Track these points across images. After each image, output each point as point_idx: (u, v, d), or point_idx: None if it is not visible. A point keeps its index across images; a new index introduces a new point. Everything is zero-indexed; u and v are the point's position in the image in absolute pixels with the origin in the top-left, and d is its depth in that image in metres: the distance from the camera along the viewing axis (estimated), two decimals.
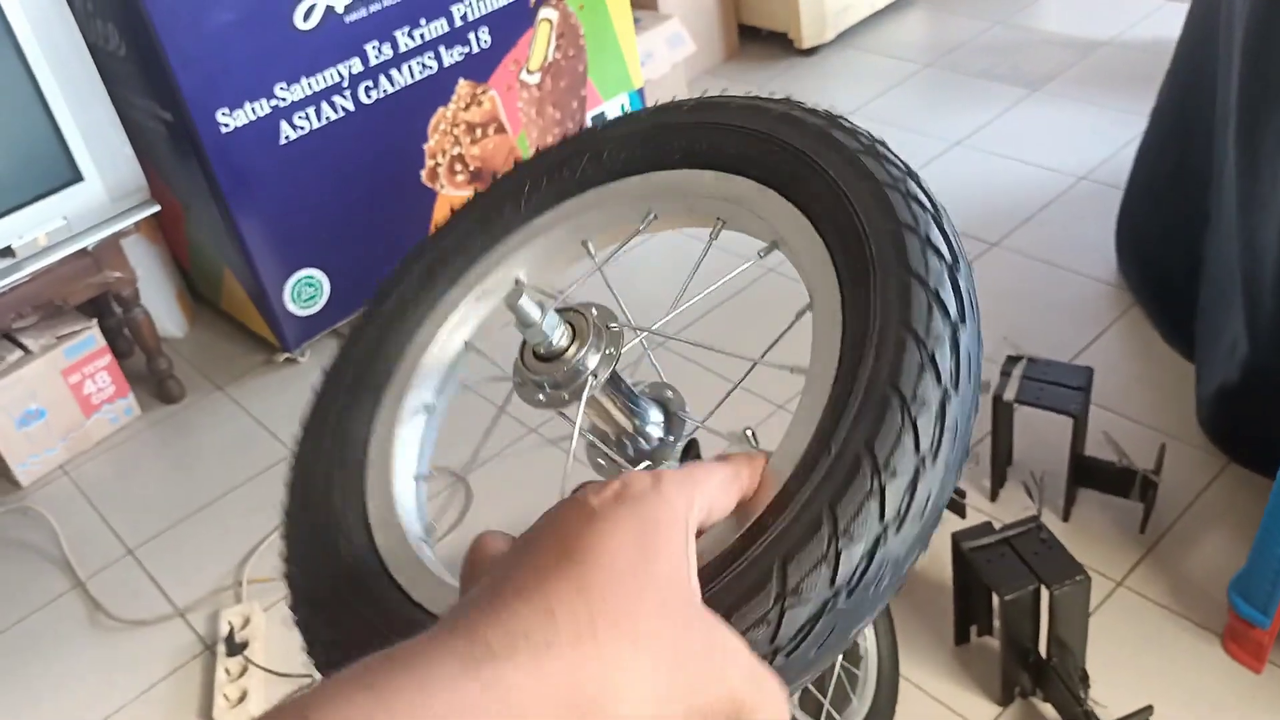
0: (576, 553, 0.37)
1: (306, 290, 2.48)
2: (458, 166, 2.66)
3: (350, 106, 2.40)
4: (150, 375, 2.49)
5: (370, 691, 0.35)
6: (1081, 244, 2.48)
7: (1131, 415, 2.03)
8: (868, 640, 1.63)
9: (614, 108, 2.94)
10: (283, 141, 2.33)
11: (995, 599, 1.55)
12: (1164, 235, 2.21)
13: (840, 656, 1.61)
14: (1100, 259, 2.42)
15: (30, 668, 1.92)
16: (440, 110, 2.57)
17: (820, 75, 3.44)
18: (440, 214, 2.65)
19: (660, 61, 3.29)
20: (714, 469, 0.48)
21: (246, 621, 1.87)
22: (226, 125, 2.25)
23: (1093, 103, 3.01)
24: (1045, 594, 1.50)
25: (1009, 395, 1.81)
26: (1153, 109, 2.25)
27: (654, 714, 0.35)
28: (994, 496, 1.92)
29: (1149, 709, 1.49)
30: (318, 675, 1.91)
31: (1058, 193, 2.68)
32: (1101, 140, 2.83)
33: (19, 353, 2.28)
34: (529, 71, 2.72)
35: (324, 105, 2.36)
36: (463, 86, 2.59)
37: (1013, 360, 1.86)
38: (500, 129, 2.70)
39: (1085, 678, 1.55)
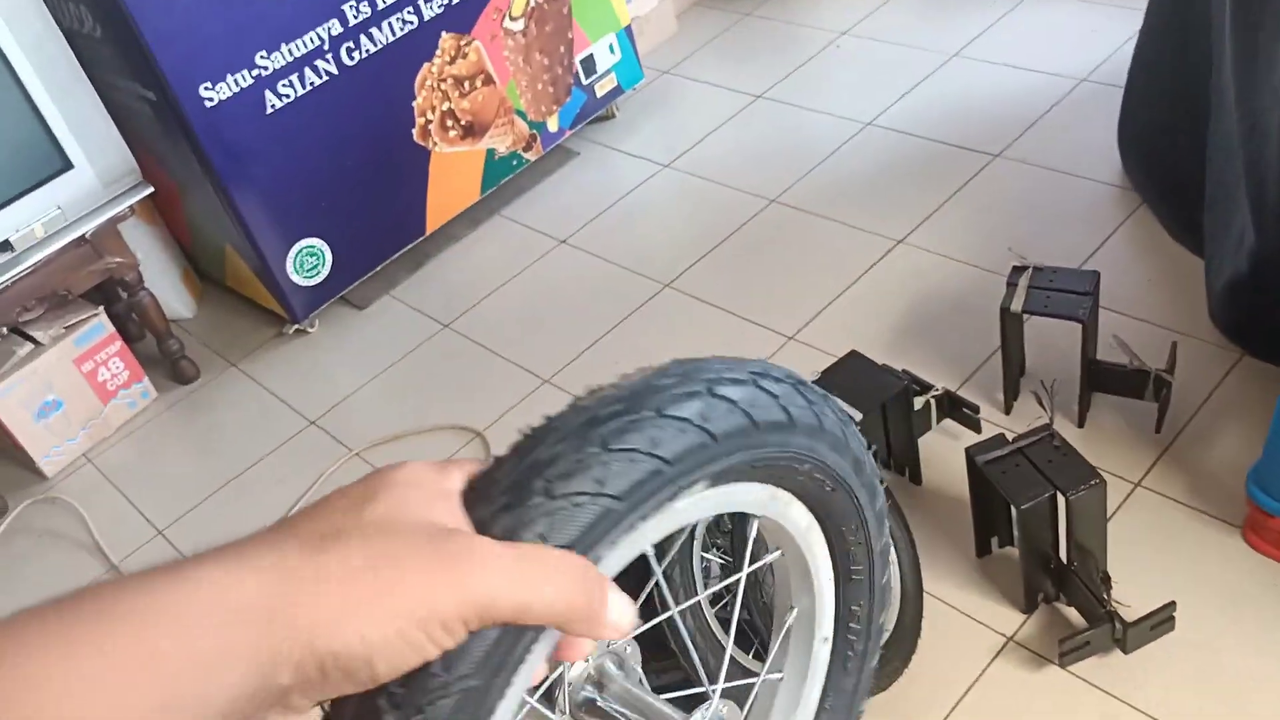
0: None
1: (309, 260, 2.48)
2: (449, 122, 2.64)
3: (333, 70, 2.38)
4: (163, 358, 2.50)
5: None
6: (1085, 147, 2.44)
7: (1142, 316, 2.01)
8: (891, 559, 1.64)
9: (603, 49, 2.90)
10: (269, 111, 2.32)
11: (1013, 510, 1.55)
12: (1167, 130, 2.17)
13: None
14: (1105, 161, 2.38)
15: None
16: (425, 66, 2.54)
17: None
18: (436, 172, 2.63)
19: None
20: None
21: None
22: (210, 99, 2.23)
23: (1088, 1, 2.94)
24: (1062, 501, 1.50)
25: (1016, 306, 1.80)
26: (1149, 2, 2.19)
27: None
28: (1008, 409, 1.91)
29: (1172, 605, 1.50)
30: None
31: (1058, 97, 2.63)
32: (1100, 39, 2.77)
33: (29, 346, 2.30)
34: (512, 18, 2.68)
35: (307, 71, 2.34)
36: (446, 40, 2.56)
37: (1018, 270, 1.84)
38: (488, 80, 2.67)
39: (1107, 579, 1.55)
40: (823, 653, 0.58)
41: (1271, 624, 1.51)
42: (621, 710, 0.50)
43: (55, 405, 2.34)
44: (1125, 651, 1.50)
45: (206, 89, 2.21)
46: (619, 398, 0.44)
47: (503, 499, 0.41)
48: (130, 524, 2.18)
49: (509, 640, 0.40)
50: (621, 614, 0.42)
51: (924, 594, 1.64)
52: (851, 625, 0.58)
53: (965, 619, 1.62)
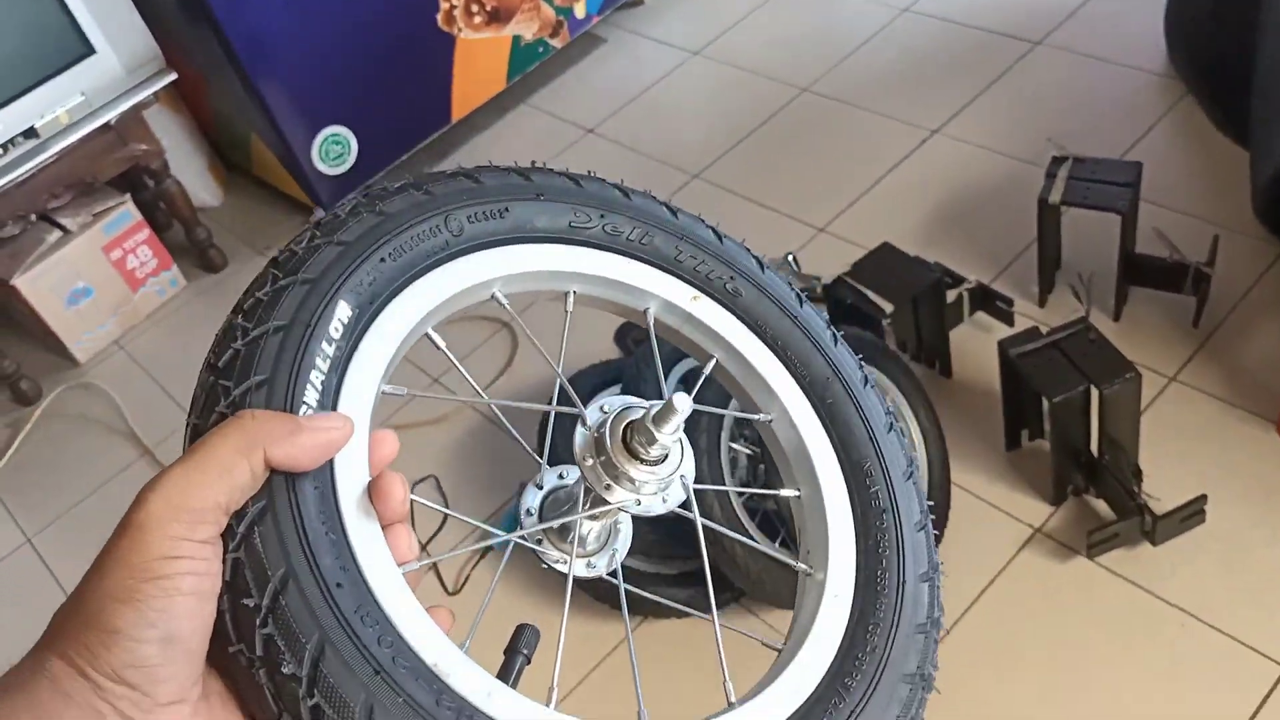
0: None
1: (334, 149, 2.45)
2: (473, 7, 2.57)
3: None
4: (191, 246, 2.50)
5: None
6: (1129, 35, 2.35)
7: (1183, 208, 1.96)
8: (919, 451, 1.64)
9: None
10: None
11: (1044, 402, 1.54)
12: (1216, 16, 2.09)
13: None
14: (1149, 49, 2.30)
15: (110, 532, 2.00)
16: None
17: None
18: (461, 60, 2.58)
19: None
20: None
21: None
22: None
23: None
24: (1095, 394, 1.49)
25: (1054, 198, 1.76)
26: None
27: None
28: (1042, 302, 1.89)
29: (1202, 498, 1.50)
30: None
31: None
32: None
33: (58, 233, 2.30)
34: None
35: None
36: None
37: (1058, 161, 1.80)
38: None
39: (1138, 473, 1.55)
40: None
41: None
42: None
43: (85, 292, 2.35)
44: (1154, 544, 1.50)
45: None
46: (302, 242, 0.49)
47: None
48: (162, 409, 2.21)
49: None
50: (317, 422, 0.46)
51: (952, 485, 1.64)
52: (867, 483, 0.59)
53: (993, 510, 1.62)
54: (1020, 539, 1.58)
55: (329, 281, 0.48)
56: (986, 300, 1.86)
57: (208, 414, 0.46)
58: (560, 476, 0.57)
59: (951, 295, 1.82)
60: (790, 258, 2.12)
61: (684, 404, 0.50)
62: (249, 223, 2.63)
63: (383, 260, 0.50)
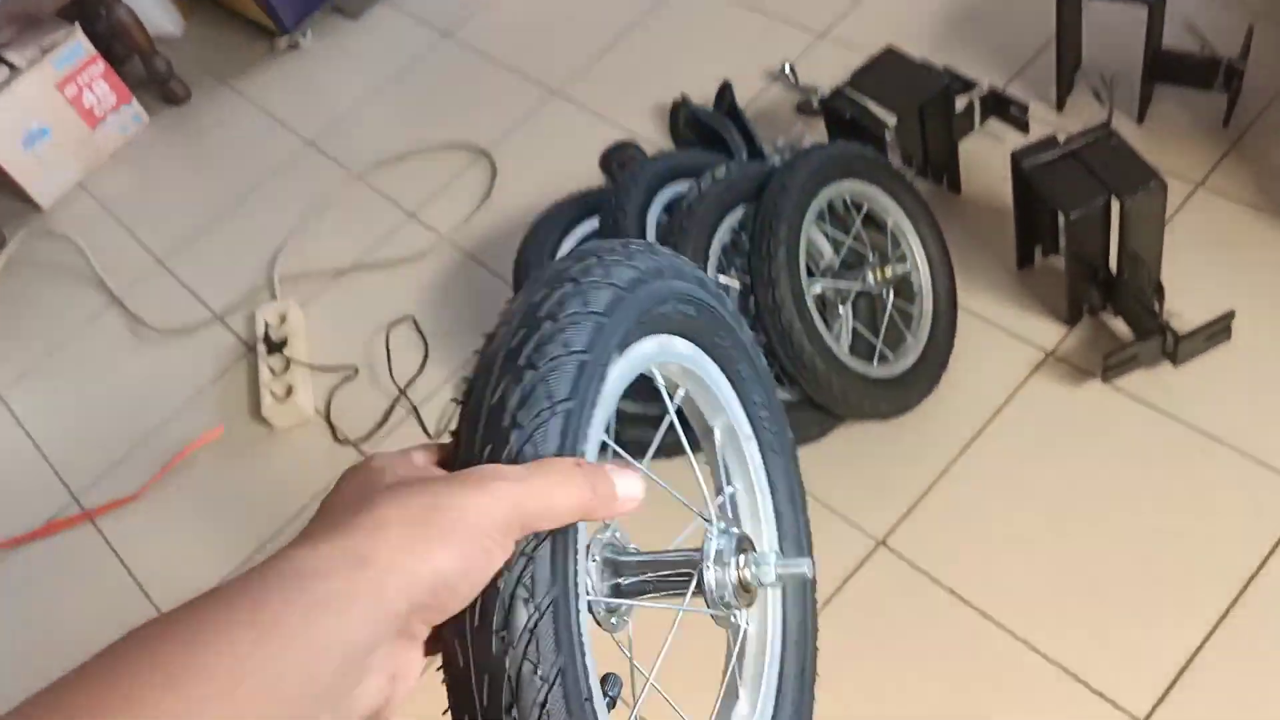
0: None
1: None
2: None
3: None
4: (150, 79, 2.35)
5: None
6: None
7: None
8: (922, 275, 1.53)
9: None
10: None
11: (1061, 217, 1.41)
12: None
13: (892, 295, 1.52)
14: None
15: (82, 385, 1.94)
16: None
17: None
18: None
19: None
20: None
21: (283, 319, 1.84)
22: None
23: None
24: (1116, 206, 1.36)
25: None
26: None
27: None
28: (1060, 105, 1.73)
29: (1230, 314, 1.39)
30: (358, 367, 1.84)
31: None
32: None
33: (5, 70, 2.15)
34: None
35: None
36: None
37: None
38: None
39: (1160, 289, 1.44)
40: (753, 451, 0.66)
41: None
42: (640, 578, 0.55)
43: (41, 133, 2.21)
44: (1175, 364, 1.40)
45: None
46: (517, 324, 0.49)
47: (486, 447, 0.45)
48: (130, 254, 2.11)
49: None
50: (631, 488, 0.47)
51: (958, 309, 1.54)
52: (761, 416, 0.66)
53: (1003, 333, 1.52)
54: (1032, 363, 1.48)
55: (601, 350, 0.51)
56: (999, 106, 1.71)
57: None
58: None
59: (961, 103, 1.67)
60: (787, 67, 1.95)
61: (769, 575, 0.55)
62: (212, 52, 2.46)
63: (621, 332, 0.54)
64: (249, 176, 2.16)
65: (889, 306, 1.52)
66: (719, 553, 0.55)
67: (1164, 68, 1.66)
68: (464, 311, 1.81)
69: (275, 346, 1.80)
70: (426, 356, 1.76)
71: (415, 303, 1.84)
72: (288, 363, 1.78)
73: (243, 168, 2.18)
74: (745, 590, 0.55)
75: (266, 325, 1.83)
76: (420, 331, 1.80)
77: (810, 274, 1.49)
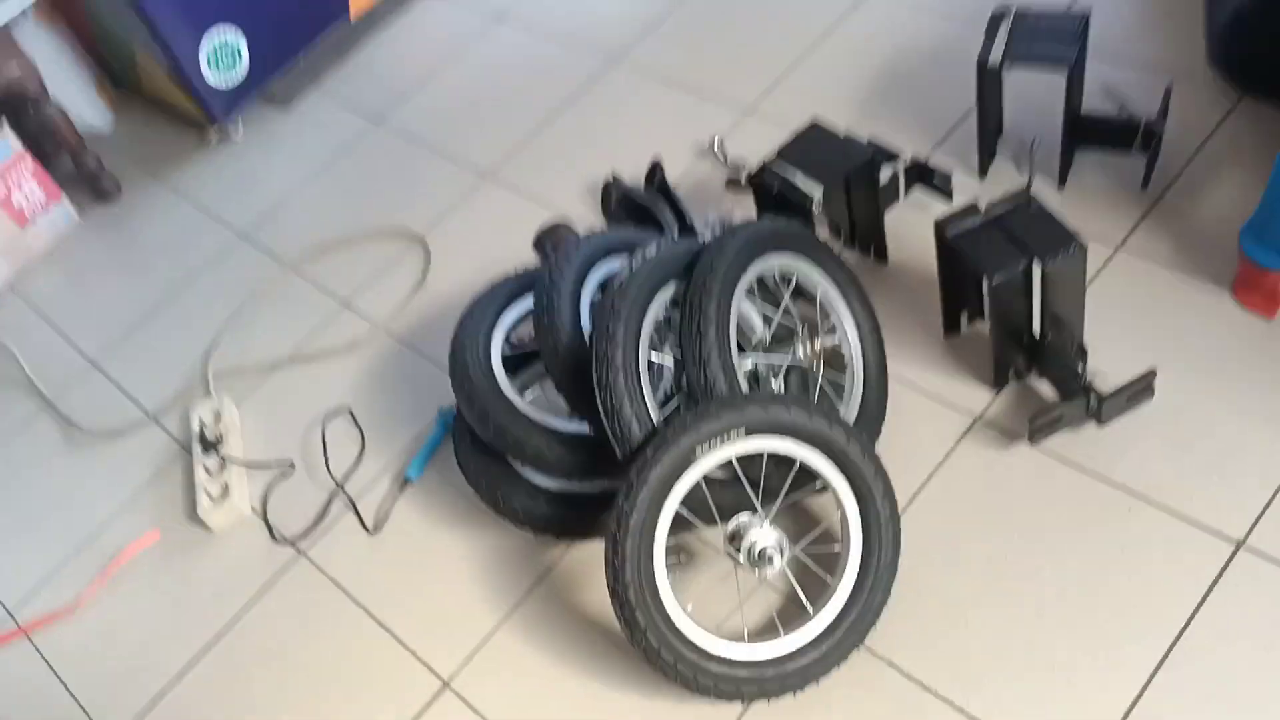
0: None
1: (224, 55, 2.26)
2: None
3: None
4: (80, 175, 2.33)
5: None
6: None
7: (1134, 60, 1.82)
8: (852, 346, 1.53)
9: None
10: None
11: (985, 283, 1.43)
12: None
13: (823, 367, 1.52)
14: None
15: (15, 493, 1.90)
16: None
17: None
18: None
19: None
20: None
21: (218, 416, 1.82)
22: None
23: None
24: (1038, 270, 1.38)
25: (994, 59, 1.62)
26: None
27: None
28: (983, 173, 1.76)
29: (1151, 373, 1.40)
30: (295, 463, 1.84)
31: None
32: None
33: None
34: None
35: None
36: None
37: (998, 18, 1.65)
38: None
39: (1082, 350, 1.45)
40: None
41: (1257, 386, 1.42)
42: None
43: None
44: (1100, 424, 1.41)
45: None
46: None
47: None
48: (61, 356, 2.08)
49: None
50: None
51: (888, 377, 1.54)
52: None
53: (933, 400, 1.53)
54: (961, 428, 1.49)
55: None
56: (923, 176, 1.74)
57: None
58: None
59: (885, 173, 1.69)
60: (715, 144, 1.98)
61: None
62: (143, 146, 2.45)
63: None
64: (182, 271, 2.15)
65: (820, 379, 1.52)
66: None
67: (1083, 132, 1.70)
68: (400, 399, 1.80)
69: (210, 445, 1.77)
70: (363, 447, 1.74)
71: (351, 393, 1.83)
72: (223, 461, 1.75)
73: (175, 263, 2.17)
74: None
75: (201, 423, 1.80)
76: (356, 422, 1.78)
77: (742, 349, 1.49)
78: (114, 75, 2.56)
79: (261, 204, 2.22)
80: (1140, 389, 1.41)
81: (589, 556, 1.52)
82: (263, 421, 1.84)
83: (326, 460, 1.74)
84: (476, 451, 1.54)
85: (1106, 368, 1.44)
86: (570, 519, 1.50)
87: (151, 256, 2.22)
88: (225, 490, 1.71)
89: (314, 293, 2.02)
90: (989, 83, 1.67)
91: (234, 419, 1.83)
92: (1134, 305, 1.53)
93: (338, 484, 1.71)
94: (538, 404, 1.52)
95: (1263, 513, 1.32)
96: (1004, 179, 1.73)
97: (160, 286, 2.13)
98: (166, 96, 2.42)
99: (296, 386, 1.88)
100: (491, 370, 1.51)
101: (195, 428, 1.80)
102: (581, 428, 1.46)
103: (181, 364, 1.97)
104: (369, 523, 1.65)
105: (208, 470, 1.75)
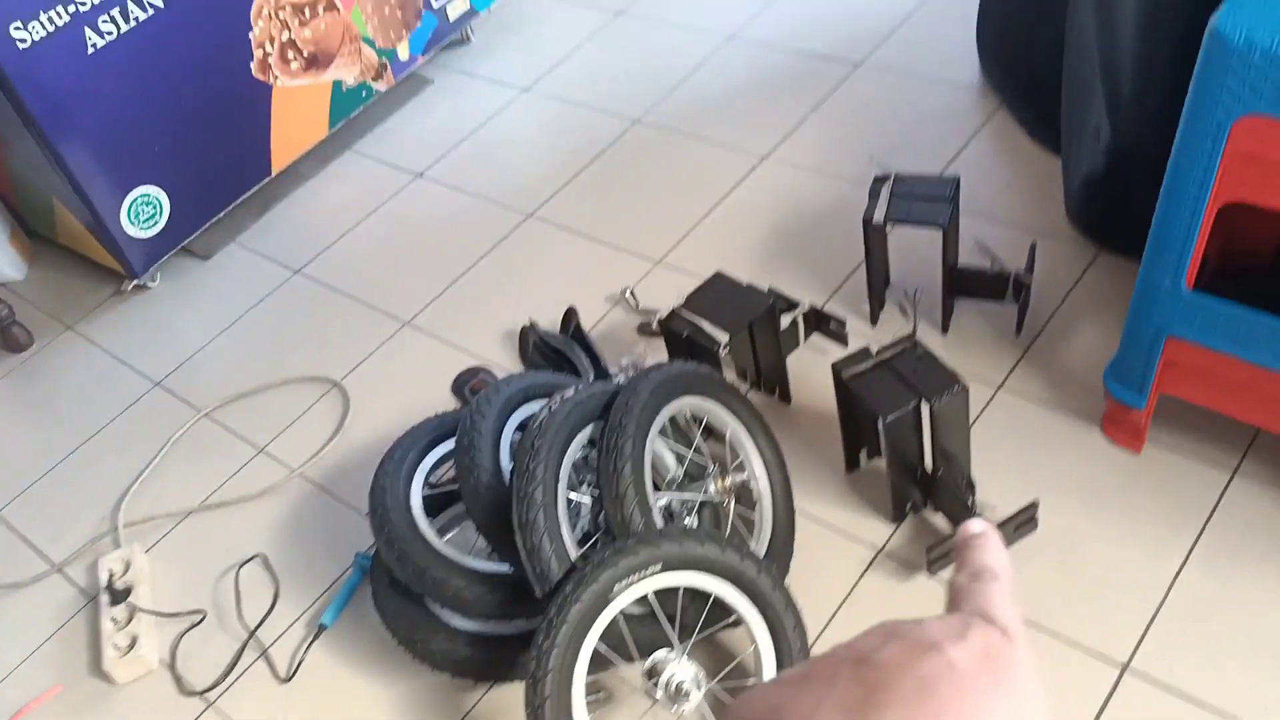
0: None
1: (145, 210, 2.32)
2: (290, 54, 2.48)
3: (159, 3, 2.20)
4: None
5: None
6: (944, 51, 2.41)
7: (1002, 218, 2.00)
8: (760, 483, 1.61)
9: None
10: (90, 51, 2.13)
11: (879, 421, 1.53)
12: (1024, 27, 2.15)
13: (733, 503, 1.59)
14: (964, 64, 2.36)
15: None
16: None
17: None
18: (279, 108, 2.48)
19: None
20: (1000, 591, 0.44)
21: (128, 566, 1.79)
22: (24, 40, 2.04)
23: None
24: (926, 409, 1.49)
25: (878, 217, 1.76)
26: None
27: None
28: (874, 320, 1.89)
29: (1034, 504, 1.50)
30: (207, 611, 1.84)
31: (918, 1, 2.59)
32: None
33: None
34: None
35: (130, 5, 2.16)
36: None
37: (880, 180, 1.81)
38: (330, 6, 2.51)
39: (971, 484, 1.55)
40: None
41: (1131, 514, 1.53)
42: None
43: None
44: None
45: (18, 29, 2.02)
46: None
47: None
48: None
49: None
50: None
51: (795, 513, 1.62)
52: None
53: (836, 534, 1.61)
54: (865, 561, 1.56)
55: None
56: (820, 323, 1.86)
57: None
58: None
59: (786, 320, 1.80)
60: (628, 293, 2.08)
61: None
62: (56, 296, 2.46)
63: None
64: (94, 421, 2.14)
65: (731, 514, 1.59)
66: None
67: (961, 283, 1.84)
68: (316, 545, 1.80)
69: (119, 596, 1.74)
70: (277, 595, 1.73)
71: (266, 540, 1.82)
72: (132, 612, 1.72)
73: (87, 412, 2.16)
74: None
75: (110, 574, 1.78)
76: (270, 569, 1.77)
77: (657, 487, 1.55)
78: (29, 225, 2.59)
79: (178, 352, 2.24)
80: (1025, 520, 1.51)
81: (508, 698, 1.53)
82: (174, 570, 1.82)
83: (239, 608, 1.73)
84: (394, 594, 1.55)
85: (994, 499, 1.55)
86: (489, 660, 1.51)
87: (63, 406, 2.20)
88: (133, 642, 1.68)
89: (230, 439, 2.03)
90: (874, 239, 1.81)
91: (144, 568, 1.81)
92: (1016, 441, 1.65)
93: (250, 632, 1.69)
94: (457, 545, 1.55)
95: (1143, 636, 1.41)
96: (893, 325, 1.87)
97: (71, 435, 2.12)
98: (83, 247, 2.45)
99: (210, 534, 1.87)
100: (411, 512, 1.54)
101: (103, 578, 1.78)
102: (500, 567, 1.49)
103: (91, 513, 1.95)
104: (281, 671, 1.63)
105: (115, 621, 1.71)
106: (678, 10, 2.81)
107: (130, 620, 1.71)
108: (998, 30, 2.27)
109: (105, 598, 1.75)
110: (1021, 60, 2.19)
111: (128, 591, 1.75)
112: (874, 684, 0.38)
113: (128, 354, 2.27)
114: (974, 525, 0.48)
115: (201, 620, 1.73)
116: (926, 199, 1.76)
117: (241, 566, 1.78)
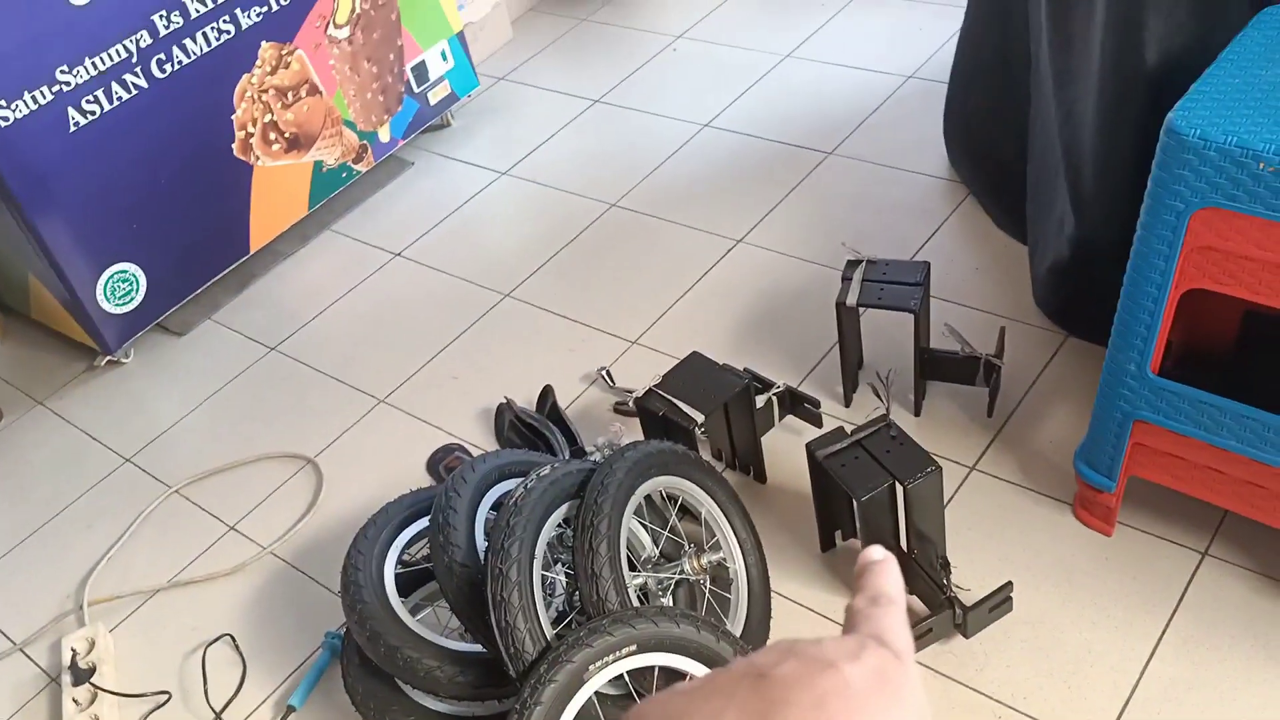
0: None
1: (121, 287, 2.32)
2: (272, 135, 2.51)
3: (143, 83, 2.23)
4: None
5: None
6: (914, 142, 2.49)
7: (972, 303, 2.05)
8: (735, 562, 1.61)
9: (434, 56, 2.82)
10: (72, 129, 2.16)
11: (854, 501, 1.54)
12: (990, 120, 2.22)
13: (709, 582, 1.59)
14: (933, 155, 2.43)
15: None
16: (245, 77, 2.41)
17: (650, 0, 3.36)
18: (259, 188, 2.51)
19: (480, 2, 3.17)
20: (893, 616, 0.47)
21: (92, 645, 1.76)
22: (6, 119, 2.06)
23: (913, 0, 3.01)
24: (900, 490, 1.50)
25: (850, 300, 1.80)
26: None
27: None
28: (848, 401, 1.92)
29: (1009, 585, 1.51)
30: (172, 693, 1.81)
31: (887, 93, 2.68)
32: (925, 37, 2.83)
33: None
34: (336, 26, 2.58)
35: (114, 85, 2.19)
36: (266, 49, 2.44)
37: (853, 265, 1.85)
38: (313, 90, 2.56)
39: (946, 565, 1.56)
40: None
41: (1103, 596, 1.54)
42: None
43: None
44: (966, 636, 1.50)
45: (1, 107, 2.05)
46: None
47: None
48: None
49: None
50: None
51: (770, 592, 1.62)
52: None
53: (812, 615, 1.60)
54: None
55: None
56: (795, 403, 1.88)
57: None
58: None
59: (761, 400, 1.82)
60: (604, 373, 2.10)
61: None
62: (27, 370, 2.45)
63: None
64: (61, 497, 2.11)
65: (707, 593, 1.59)
66: None
67: (932, 366, 1.87)
68: (285, 624, 1.77)
69: (82, 676, 1.70)
70: (244, 675, 1.70)
71: (234, 619, 1.80)
72: (95, 693, 1.68)
73: (56, 487, 2.13)
74: None
75: (74, 653, 1.74)
76: (238, 649, 1.74)
77: (633, 566, 1.55)
78: (2, 300, 2.58)
79: (149, 428, 2.23)
80: (999, 601, 1.52)
81: None
82: (140, 650, 1.79)
83: (205, 689, 1.69)
84: (365, 675, 1.53)
85: (969, 581, 1.55)
86: None
87: (31, 481, 2.17)
88: None
89: (200, 516, 2.01)
90: (848, 322, 1.85)
91: (109, 647, 1.77)
92: (989, 522, 1.67)
93: (216, 714, 1.65)
94: (430, 625, 1.53)
95: (1119, 717, 1.41)
96: (866, 406, 1.89)
97: (38, 511, 2.09)
98: (57, 323, 2.45)
99: (177, 612, 1.84)
100: (384, 590, 1.53)
101: (66, 657, 1.74)
102: (473, 647, 1.47)
103: (56, 590, 1.91)
104: None
105: (77, 702, 1.67)
106: (653, 100, 2.88)
107: (93, 701, 1.67)
108: (964, 123, 2.34)
109: (68, 677, 1.71)
110: (988, 153, 2.26)
111: (91, 671, 1.71)
112: (772, 698, 0.40)
113: (98, 430, 2.25)
114: (874, 552, 0.51)
115: (167, 701, 1.69)
116: (898, 283, 1.80)
117: (209, 646, 1.75)
